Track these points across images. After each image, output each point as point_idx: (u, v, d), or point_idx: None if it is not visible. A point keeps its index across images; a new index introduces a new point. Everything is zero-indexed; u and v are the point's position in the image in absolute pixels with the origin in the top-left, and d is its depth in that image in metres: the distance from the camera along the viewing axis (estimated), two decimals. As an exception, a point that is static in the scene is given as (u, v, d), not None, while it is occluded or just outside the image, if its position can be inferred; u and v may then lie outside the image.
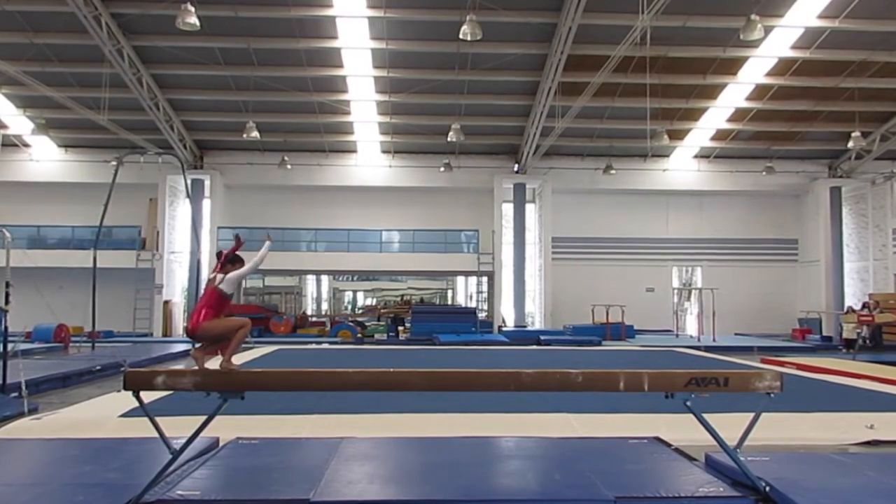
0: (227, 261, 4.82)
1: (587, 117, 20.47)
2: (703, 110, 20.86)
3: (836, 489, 4.14)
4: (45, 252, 21.22)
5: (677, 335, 22.38)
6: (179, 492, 3.98)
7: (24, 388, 7.55)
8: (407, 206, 24.02)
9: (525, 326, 22.53)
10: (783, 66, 18.44)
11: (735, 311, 23.18)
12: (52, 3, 15.62)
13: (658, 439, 5.63)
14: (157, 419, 4.12)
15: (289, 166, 22.33)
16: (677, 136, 21.83)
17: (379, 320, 23.71)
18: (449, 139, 20.25)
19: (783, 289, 24.68)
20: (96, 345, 15.93)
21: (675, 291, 24.51)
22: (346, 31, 17.21)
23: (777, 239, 24.95)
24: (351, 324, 22.13)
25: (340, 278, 28.48)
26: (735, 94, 19.91)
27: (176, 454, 4.09)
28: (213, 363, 4.62)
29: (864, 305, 18.55)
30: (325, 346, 18.69)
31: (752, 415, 4.21)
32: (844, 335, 18.10)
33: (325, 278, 28.10)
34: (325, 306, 28.48)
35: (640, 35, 14.72)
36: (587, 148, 22.93)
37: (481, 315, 22.79)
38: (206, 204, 23.05)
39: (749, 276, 24.56)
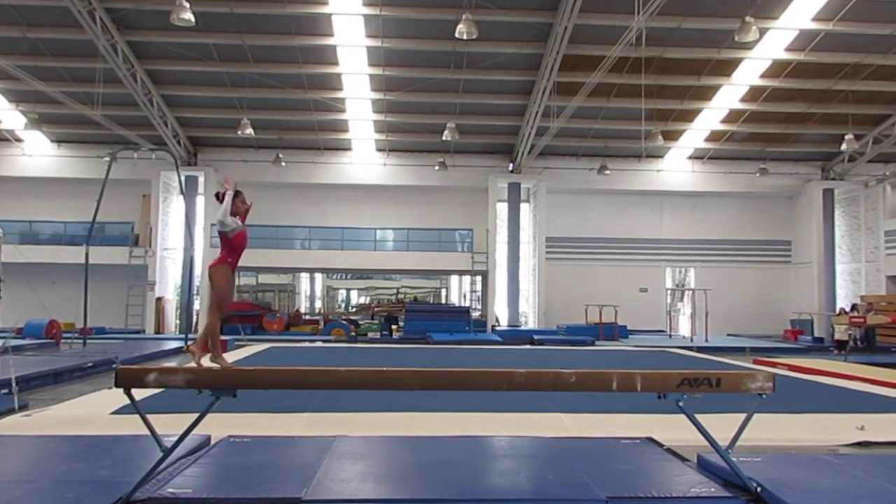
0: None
1: (582, 117, 20.49)
2: (698, 111, 20.92)
3: (826, 490, 4.15)
4: (37, 247, 21.16)
5: (670, 335, 22.46)
6: (170, 489, 3.96)
7: (14, 384, 7.51)
8: (401, 205, 24.00)
9: (518, 326, 22.56)
10: (777, 68, 18.51)
11: (728, 312, 23.26)
12: (46, -2, 15.57)
13: (650, 439, 5.63)
14: (149, 416, 4.10)
15: (283, 164, 22.28)
16: (672, 136, 21.88)
17: (372, 319, 23.69)
18: (444, 138, 20.26)
19: (776, 290, 24.77)
20: (88, 341, 15.90)
21: (669, 292, 24.58)
22: (341, 29, 17.17)
23: (770, 240, 25.04)
24: (344, 322, 22.10)
25: (334, 276, 28.46)
26: (729, 95, 19.96)
27: (167, 452, 4.07)
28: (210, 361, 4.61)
29: (854, 307, 18.63)
30: (319, 344, 18.67)
31: (743, 415, 4.22)
32: (836, 336, 18.19)
33: (318, 276, 28.07)
34: (318, 304, 28.45)
35: (636, 36, 14.74)
36: (582, 148, 22.97)
37: (475, 314, 22.83)
38: (200, 201, 22.96)
39: (742, 277, 24.64)
